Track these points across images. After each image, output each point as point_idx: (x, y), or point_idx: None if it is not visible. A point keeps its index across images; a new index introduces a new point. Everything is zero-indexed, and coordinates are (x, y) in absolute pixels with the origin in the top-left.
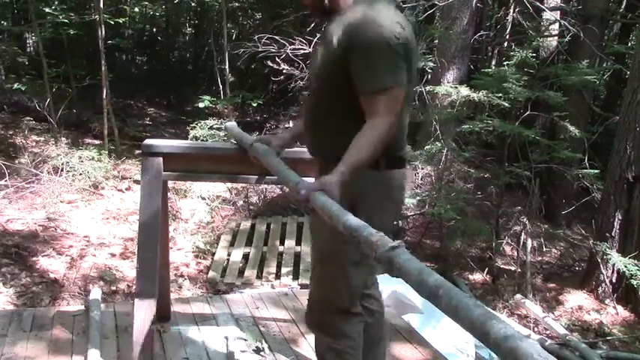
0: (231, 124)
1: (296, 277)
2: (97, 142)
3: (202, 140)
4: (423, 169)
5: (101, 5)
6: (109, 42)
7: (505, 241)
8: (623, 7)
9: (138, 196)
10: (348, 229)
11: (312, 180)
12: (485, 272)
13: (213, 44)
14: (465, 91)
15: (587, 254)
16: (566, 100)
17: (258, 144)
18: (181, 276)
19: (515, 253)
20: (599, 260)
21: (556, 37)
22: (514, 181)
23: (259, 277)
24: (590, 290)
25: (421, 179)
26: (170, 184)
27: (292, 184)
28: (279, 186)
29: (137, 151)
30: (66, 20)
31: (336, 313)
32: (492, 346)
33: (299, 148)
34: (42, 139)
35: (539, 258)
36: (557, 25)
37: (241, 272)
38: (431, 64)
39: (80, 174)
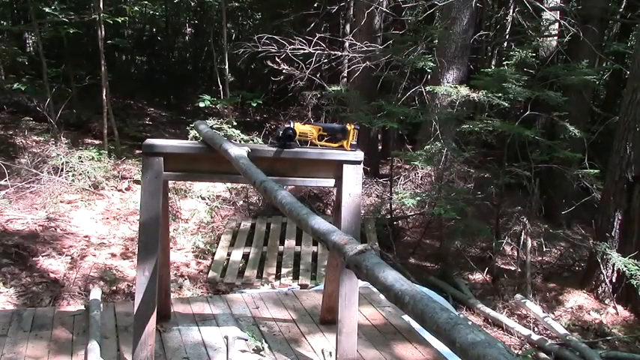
0: (202, 123)
1: (296, 277)
2: (96, 142)
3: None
4: (423, 169)
5: (101, 5)
6: (109, 42)
7: (505, 241)
8: (622, 7)
9: (138, 196)
10: (316, 233)
11: (312, 181)
12: (485, 272)
13: (213, 44)
14: (464, 91)
15: (587, 254)
16: (566, 100)
17: (227, 144)
18: (182, 276)
19: (515, 253)
20: (599, 260)
21: (556, 37)
22: (514, 181)
23: (259, 277)
24: (590, 290)
25: (421, 179)
26: (170, 184)
27: (257, 182)
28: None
29: (137, 151)
30: (65, 20)
31: None
32: (459, 352)
33: (299, 149)
34: (42, 139)
35: (539, 258)
36: (556, 25)
37: (241, 272)
38: (431, 64)
39: (80, 174)
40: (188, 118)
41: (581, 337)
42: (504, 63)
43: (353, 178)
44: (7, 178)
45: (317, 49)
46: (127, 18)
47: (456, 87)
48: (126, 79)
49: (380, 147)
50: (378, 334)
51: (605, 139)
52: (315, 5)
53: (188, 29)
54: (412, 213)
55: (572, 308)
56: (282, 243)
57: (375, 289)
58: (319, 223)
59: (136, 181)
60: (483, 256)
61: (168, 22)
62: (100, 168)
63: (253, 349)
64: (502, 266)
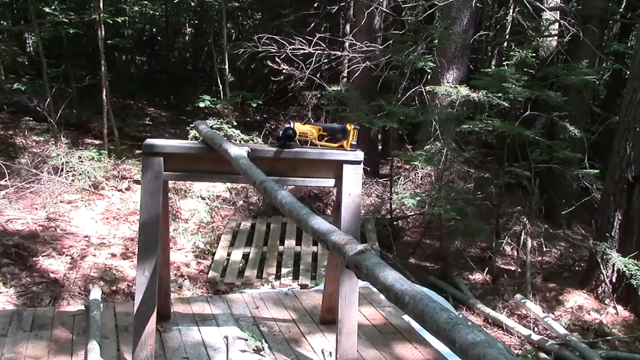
0: (202, 123)
1: (296, 277)
2: (96, 142)
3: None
4: (423, 169)
5: (101, 5)
6: (109, 42)
7: (505, 241)
8: (622, 7)
9: (138, 196)
10: (316, 233)
11: (312, 181)
12: (485, 272)
13: (213, 44)
14: (464, 91)
15: (587, 254)
16: (566, 100)
17: (227, 144)
18: (182, 276)
19: (515, 253)
20: (599, 260)
21: (556, 37)
22: (514, 181)
23: (259, 277)
24: (590, 290)
25: (421, 179)
26: (170, 184)
27: (257, 182)
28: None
29: (137, 151)
30: (65, 20)
31: None
32: (459, 352)
33: (299, 149)
34: (42, 139)
35: (539, 258)
36: (556, 25)
37: (241, 272)
38: (431, 64)
39: (80, 174)
40: (188, 118)
41: (581, 337)
42: (504, 63)
43: (353, 178)
44: (7, 178)
45: (317, 49)
46: (127, 18)
47: (456, 87)
48: (126, 79)
49: (380, 147)
50: (378, 334)
51: (605, 139)
52: (315, 5)
53: (188, 29)
54: (412, 213)
55: (572, 308)
56: (282, 243)
57: (375, 289)
58: (319, 223)
59: (136, 181)
60: (483, 256)
61: (168, 22)
62: (100, 168)
63: (253, 349)
64: (502, 266)
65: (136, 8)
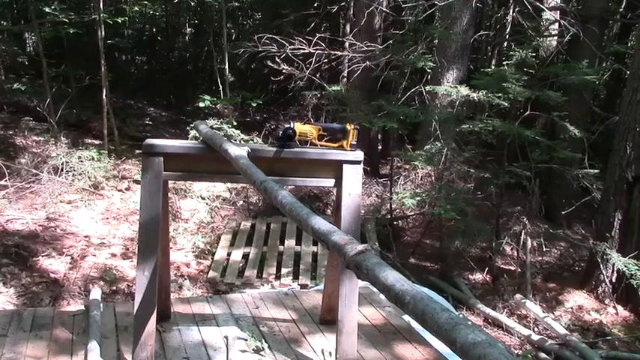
0: (202, 123)
1: (296, 277)
2: (96, 142)
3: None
4: (423, 169)
5: (101, 5)
6: (109, 42)
7: (505, 241)
8: (622, 7)
9: (138, 196)
10: (316, 233)
11: (312, 181)
12: (486, 272)
13: (213, 44)
14: (464, 90)
15: (587, 254)
16: (566, 100)
17: (227, 144)
18: (182, 276)
19: (515, 253)
20: (599, 260)
21: (556, 37)
22: (514, 181)
23: (259, 277)
24: (590, 290)
25: (421, 179)
26: (170, 183)
27: (257, 182)
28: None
29: (137, 151)
30: (65, 20)
31: None
32: (459, 352)
33: (299, 149)
34: (42, 139)
35: (539, 258)
36: (556, 25)
37: (241, 272)
38: (431, 64)
39: (80, 174)
40: (188, 118)
41: (581, 337)
42: (504, 63)
43: (353, 178)
44: (7, 178)
45: (317, 49)
46: (127, 18)
47: (456, 87)
48: (126, 79)
49: (380, 147)
50: (378, 334)
51: (605, 139)
52: (315, 5)
53: (188, 29)
54: (412, 213)
55: (572, 308)
56: (282, 243)
57: (375, 289)
58: (319, 223)
59: (136, 181)
60: (483, 256)
61: (168, 22)
62: (100, 168)
63: (253, 349)
64: (502, 266)
65: (136, 8)
